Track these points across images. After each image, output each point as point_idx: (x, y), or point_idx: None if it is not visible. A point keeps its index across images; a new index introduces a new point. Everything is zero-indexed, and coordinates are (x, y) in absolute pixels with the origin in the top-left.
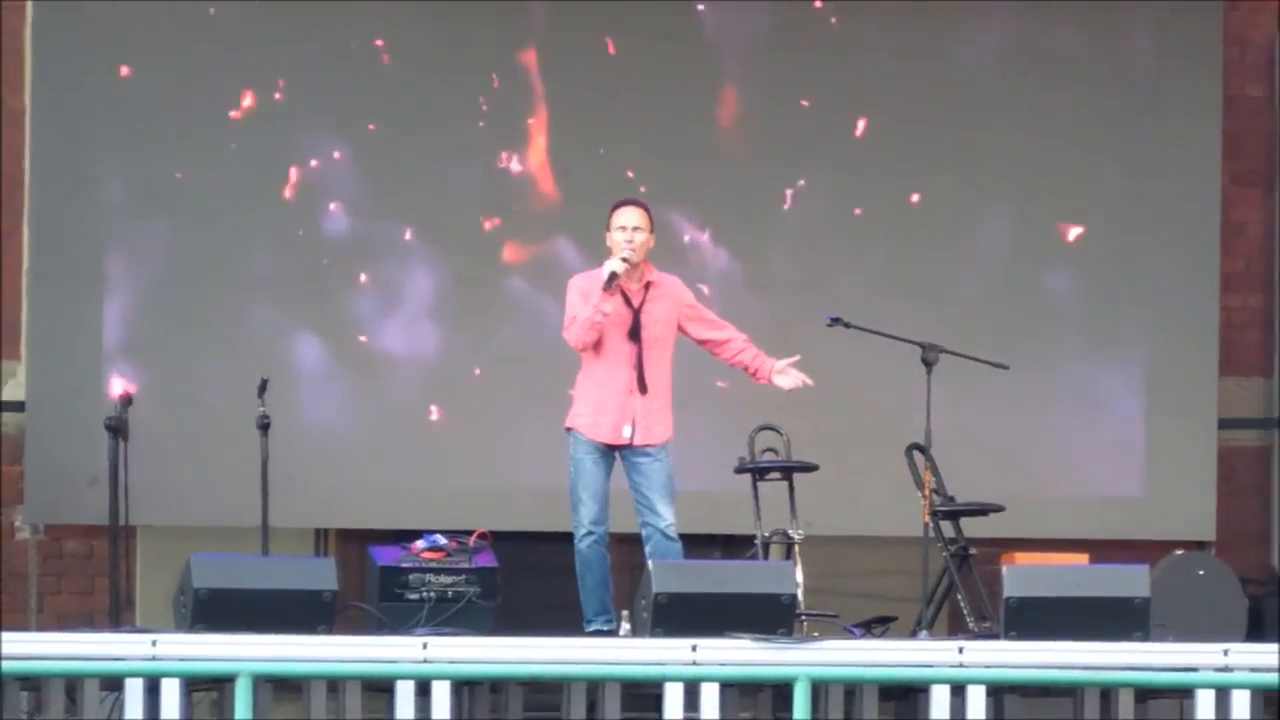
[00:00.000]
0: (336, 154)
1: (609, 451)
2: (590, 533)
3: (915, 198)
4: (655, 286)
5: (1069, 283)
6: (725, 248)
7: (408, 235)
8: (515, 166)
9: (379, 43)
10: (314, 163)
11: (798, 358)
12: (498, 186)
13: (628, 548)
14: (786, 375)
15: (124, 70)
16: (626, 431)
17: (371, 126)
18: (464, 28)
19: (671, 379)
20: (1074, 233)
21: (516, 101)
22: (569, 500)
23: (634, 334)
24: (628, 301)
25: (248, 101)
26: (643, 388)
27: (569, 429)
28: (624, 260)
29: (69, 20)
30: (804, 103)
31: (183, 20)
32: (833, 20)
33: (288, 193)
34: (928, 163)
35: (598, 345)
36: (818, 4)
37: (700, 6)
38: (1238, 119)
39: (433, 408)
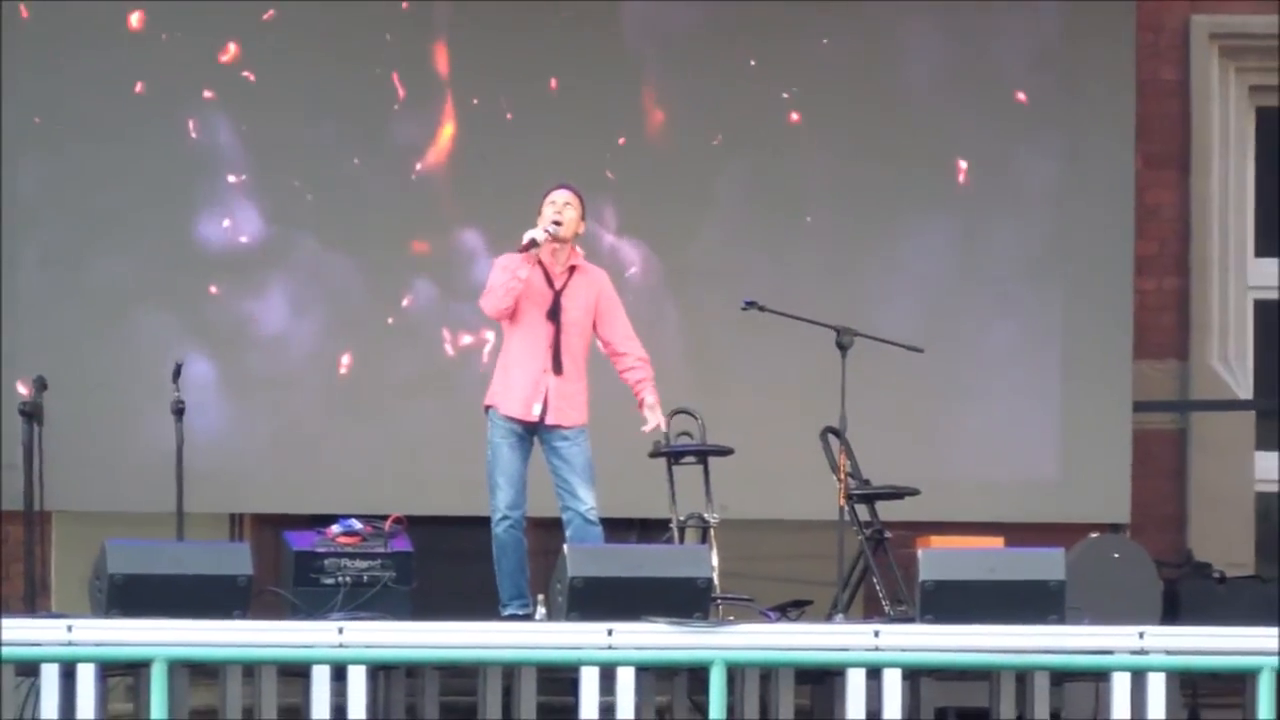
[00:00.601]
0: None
1: (526, 435)
2: (506, 517)
3: (830, 185)
4: (580, 272)
5: (983, 266)
6: (641, 237)
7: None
8: (423, 164)
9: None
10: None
11: (656, 404)
12: (406, 183)
13: (544, 532)
14: (650, 412)
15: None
16: (536, 409)
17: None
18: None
19: (587, 365)
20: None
21: (427, 100)
22: (486, 484)
23: (553, 314)
24: (550, 282)
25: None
26: (557, 368)
27: (486, 407)
28: (547, 231)
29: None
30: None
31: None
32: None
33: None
34: (842, 146)
35: (515, 320)
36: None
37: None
38: (1152, 102)
39: (348, 392)
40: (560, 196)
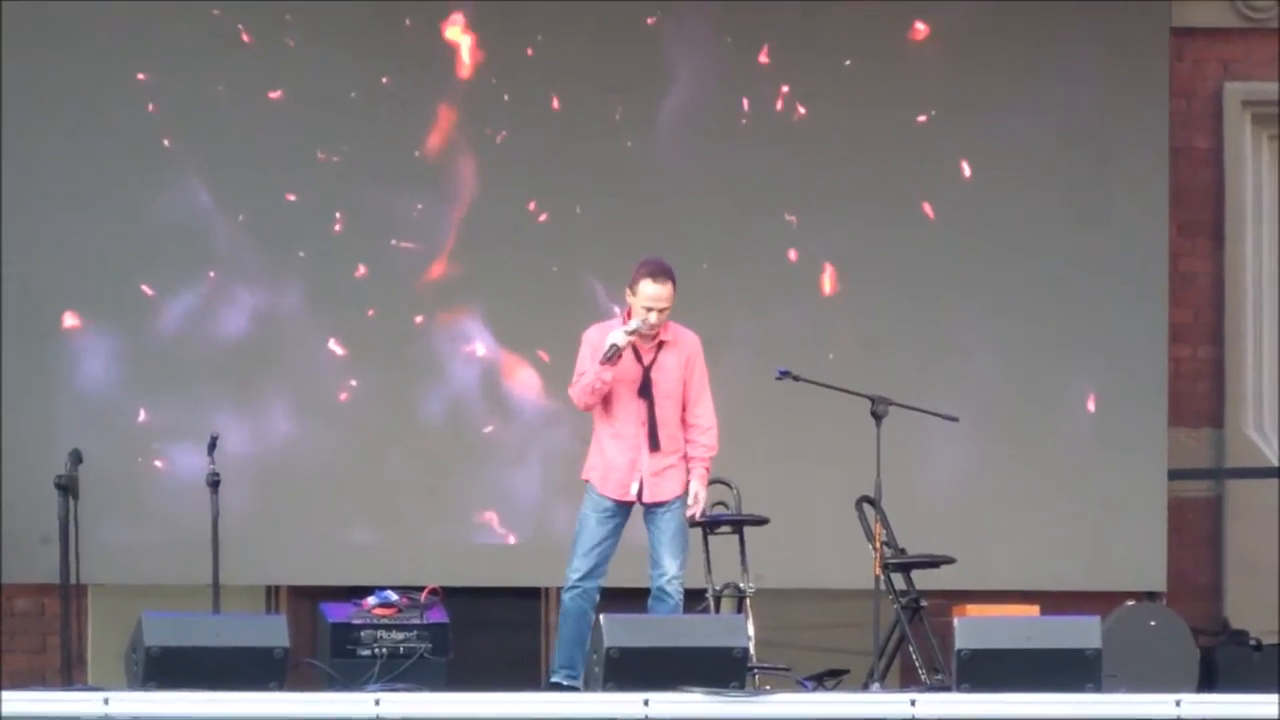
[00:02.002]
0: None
1: (620, 510)
2: (575, 586)
3: (860, 248)
4: (669, 345)
5: (1017, 334)
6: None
7: (361, 272)
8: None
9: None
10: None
11: (699, 494)
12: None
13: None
14: (691, 499)
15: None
16: (634, 489)
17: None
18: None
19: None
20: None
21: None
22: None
23: (644, 391)
24: (639, 358)
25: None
26: (654, 445)
27: (585, 480)
28: (629, 334)
29: (36, 78)
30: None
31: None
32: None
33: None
34: (876, 215)
35: (608, 402)
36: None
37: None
38: (1185, 170)
39: (383, 464)
40: (659, 299)
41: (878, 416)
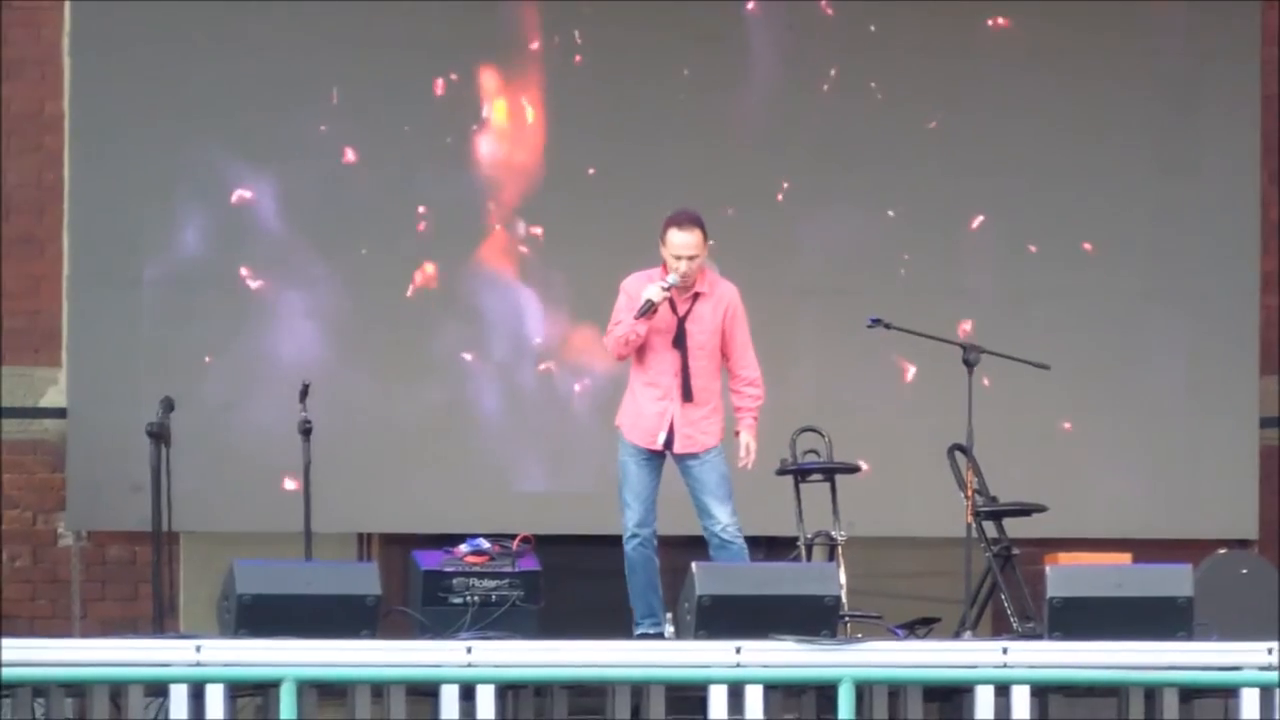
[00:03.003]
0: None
1: (655, 456)
2: (635, 535)
3: (951, 200)
4: (705, 297)
5: (1108, 283)
6: (768, 254)
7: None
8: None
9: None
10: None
11: (750, 443)
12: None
13: (675, 550)
14: (743, 448)
15: (163, 74)
16: (662, 438)
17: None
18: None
19: (721, 384)
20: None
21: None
22: (618, 501)
23: (678, 342)
24: (674, 308)
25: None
26: (687, 395)
27: (617, 426)
28: (665, 289)
29: (106, 27)
30: (825, 92)
31: (219, 25)
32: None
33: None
34: (961, 165)
35: (642, 351)
36: (827, 8)
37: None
38: (1274, 118)
39: (477, 410)
40: (685, 247)
41: (970, 364)
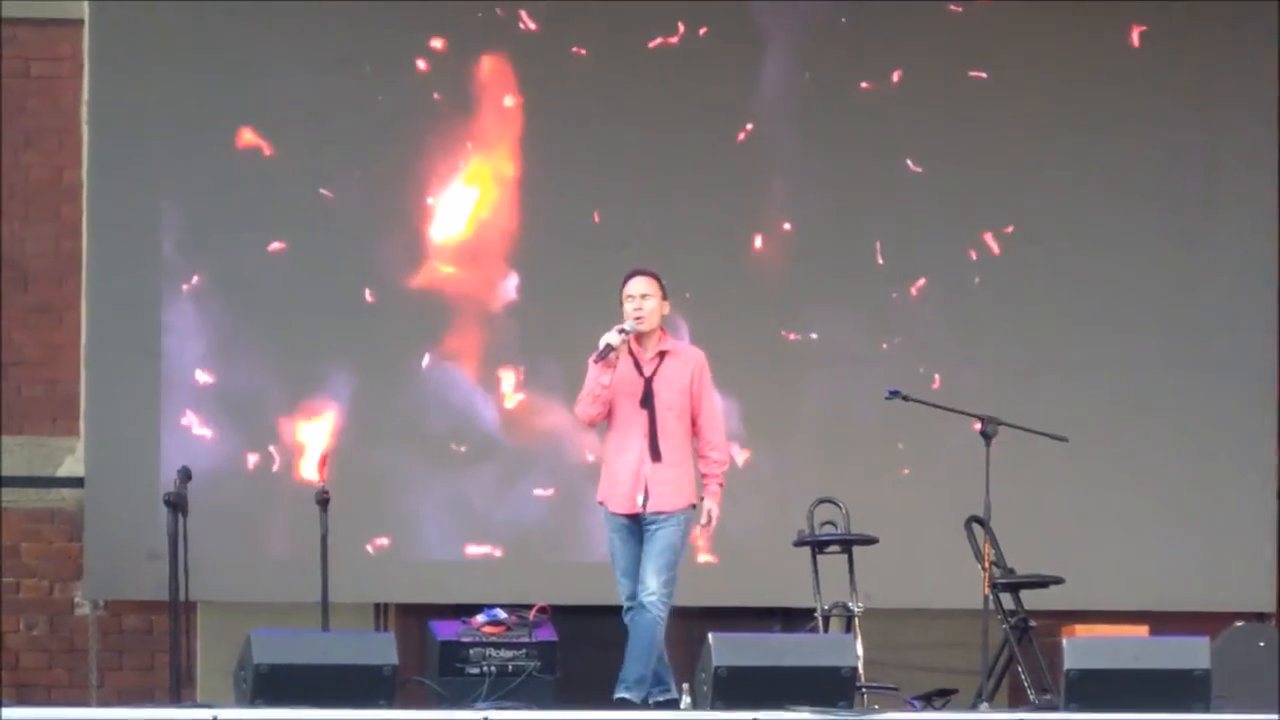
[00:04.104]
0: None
1: (634, 525)
2: (629, 608)
3: (972, 275)
4: (672, 355)
5: (1124, 354)
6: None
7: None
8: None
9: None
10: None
11: (710, 512)
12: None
13: (689, 621)
14: (703, 515)
15: (181, 144)
16: (640, 500)
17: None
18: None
19: (692, 447)
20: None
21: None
22: None
23: (645, 401)
24: (639, 369)
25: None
26: (655, 455)
27: (600, 503)
28: (623, 332)
29: (125, 93)
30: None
31: (237, 97)
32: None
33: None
34: (983, 240)
35: (612, 413)
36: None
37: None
38: None
39: (491, 482)
40: (637, 288)
41: (987, 436)
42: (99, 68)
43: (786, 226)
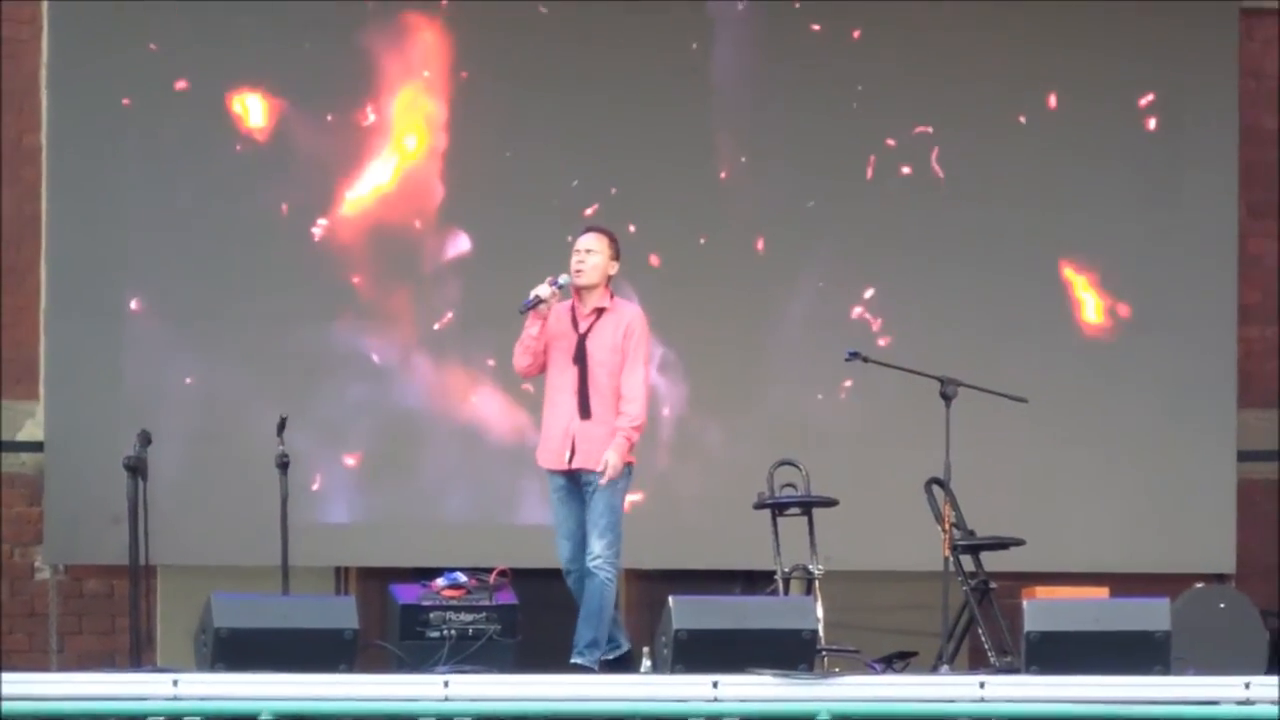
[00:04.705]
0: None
1: (571, 485)
2: (569, 571)
3: (928, 230)
4: (609, 311)
5: (1087, 315)
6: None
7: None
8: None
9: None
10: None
11: (611, 460)
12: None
13: (650, 584)
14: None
15: (129, 103)
16: (567, 456)
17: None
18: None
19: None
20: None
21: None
22: None
23: (578, 358)
24: (575, 324)
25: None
26: (585, 412)
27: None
28: (555, 284)
29: (83, 58)
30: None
31: (198, 60)
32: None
33: (315, 230)
34: (943, 195)
35: (548, 369)
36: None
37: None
38: (1252, 150)
39: (449, 445)
40: (583, 242)
41: (947, 397)
42: (57, 31)
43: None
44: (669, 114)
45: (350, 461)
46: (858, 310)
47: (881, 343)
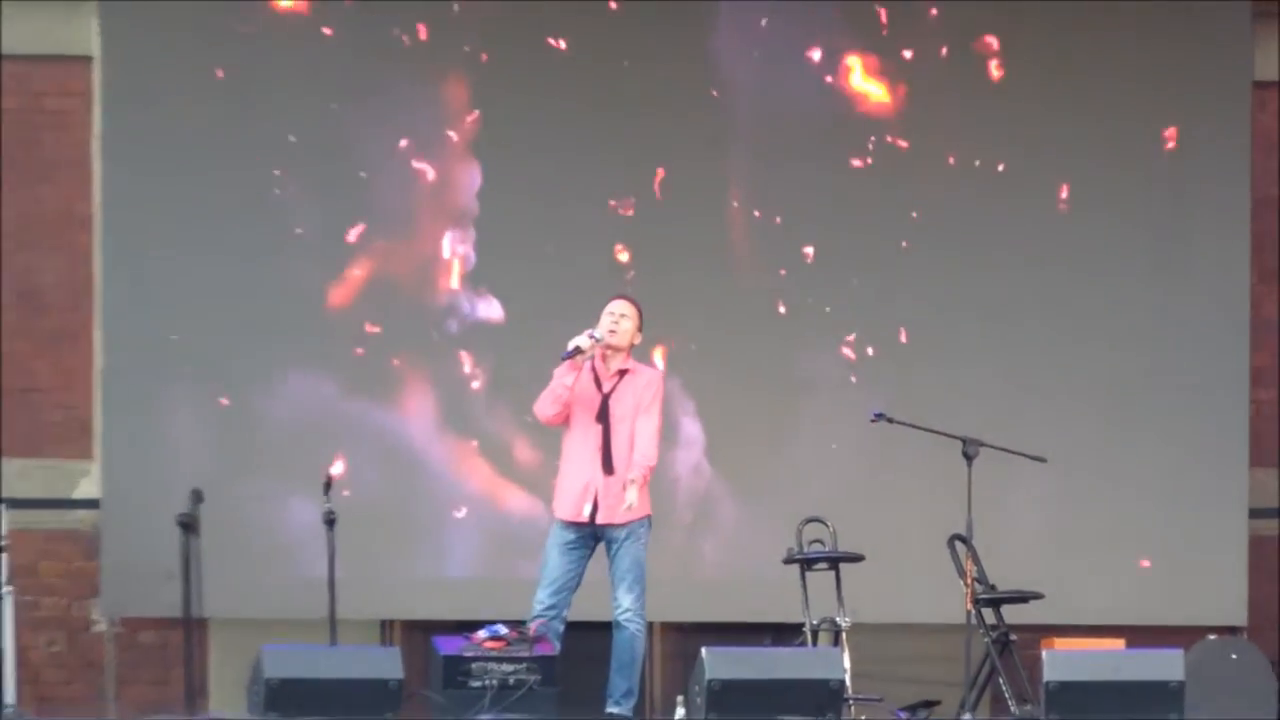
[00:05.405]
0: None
1: (581, 540)
2: (539, 616)
3: (953, 298)
4: (631, 374)
5: (1104, 378)
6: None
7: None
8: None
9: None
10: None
11: (634, 489)
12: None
13: (681, 636)
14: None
15: (181, 172)
16: (587, 510)
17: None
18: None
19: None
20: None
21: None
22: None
23: (601, 416)
24: (599, 385)
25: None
26: (608, 468)
27: (552, 514)
28: (592, 337)
29: (135, 128)
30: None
31: (247, 127)
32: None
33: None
34: (964, 265)
35: (570, 424)
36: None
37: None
38: (1263, 219)
39: (495, 502)
40: (617, 307)
41: (969, 457)
42: (110, 101)
43: (783, 272)
44: (686, 168)
45: (394, 520)
46: (879, 367)
47: (901, 400)
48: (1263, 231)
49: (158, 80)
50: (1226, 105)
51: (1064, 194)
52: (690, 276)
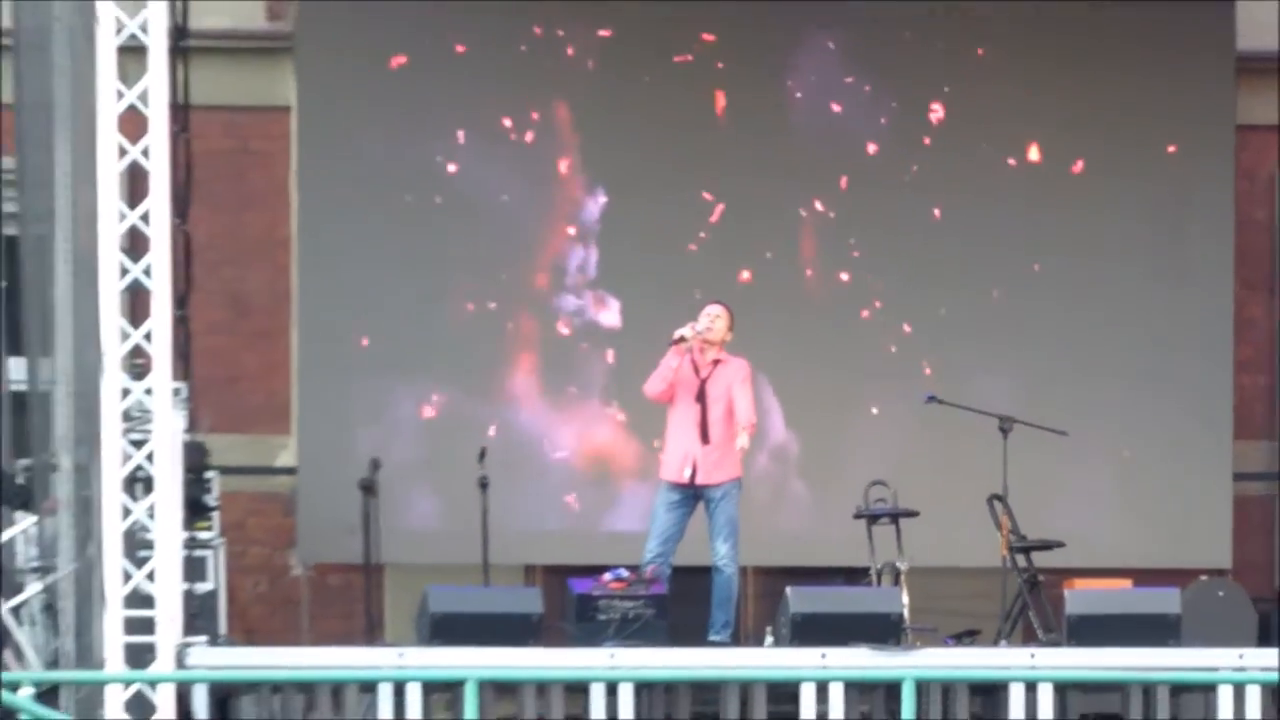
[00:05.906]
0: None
1: (684, 498)
2: (651, 562)
3: (996, 293)
4: (723, 364)
5: (1115, 364)
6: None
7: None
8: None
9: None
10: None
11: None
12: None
13: (769, 578)
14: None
15: (365, 200)
16: (687, 473)
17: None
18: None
19: (732, 431)
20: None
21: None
22: None
23: (699, 397)
24: (697, 372)
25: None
26: (705, 438)
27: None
28: (694, 329)
29: (326, 166)
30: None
31: (426, 163)
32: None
33: (539, 275)
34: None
35: (673, 402)
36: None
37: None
38: (1247, 237)
39: (616, 468)
40: (713, 310)
41: (1004, 431)
42: (305, 143)
43: (844, 276)
44: (757, 157)
45: (536, 483)
46: (933, 355)
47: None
48: (1245, 247)
49: (345, 125)
50: (1215, 145)
51: (1075, 217)
52: (764, 277)
